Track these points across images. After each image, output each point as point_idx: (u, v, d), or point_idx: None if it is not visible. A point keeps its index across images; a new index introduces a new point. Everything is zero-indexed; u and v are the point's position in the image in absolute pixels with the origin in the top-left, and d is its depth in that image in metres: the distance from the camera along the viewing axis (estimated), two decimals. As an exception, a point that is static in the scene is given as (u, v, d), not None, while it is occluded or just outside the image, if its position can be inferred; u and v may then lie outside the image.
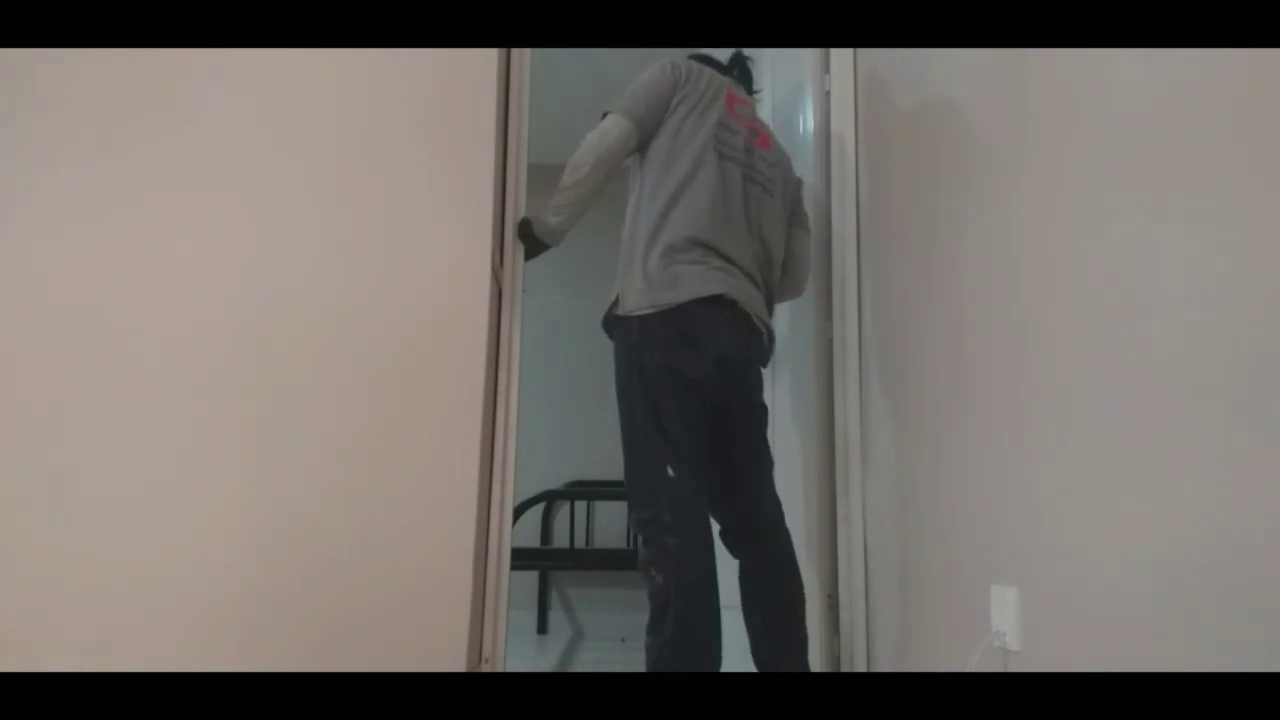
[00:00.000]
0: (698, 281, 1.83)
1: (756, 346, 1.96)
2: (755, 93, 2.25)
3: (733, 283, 1.87)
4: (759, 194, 2.01)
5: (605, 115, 1.97)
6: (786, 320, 2.54)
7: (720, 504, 1.94)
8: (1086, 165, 1.43)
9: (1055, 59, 1.52)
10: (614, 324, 1.90)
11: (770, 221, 2.03)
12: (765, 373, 2.59)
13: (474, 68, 1.97)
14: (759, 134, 2.07)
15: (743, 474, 1.94)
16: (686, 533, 1.75)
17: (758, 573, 1.92)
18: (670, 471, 1.77)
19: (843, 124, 2.39)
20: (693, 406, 1.82)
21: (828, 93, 2.45)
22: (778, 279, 2.10)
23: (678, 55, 2.05)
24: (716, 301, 1.83)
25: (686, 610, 1.71)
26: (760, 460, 1.98)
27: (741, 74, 2.20)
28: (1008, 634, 1.56)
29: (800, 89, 2.55)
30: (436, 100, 1.94)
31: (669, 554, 1.74)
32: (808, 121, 2.49)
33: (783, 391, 2.54)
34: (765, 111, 2.73)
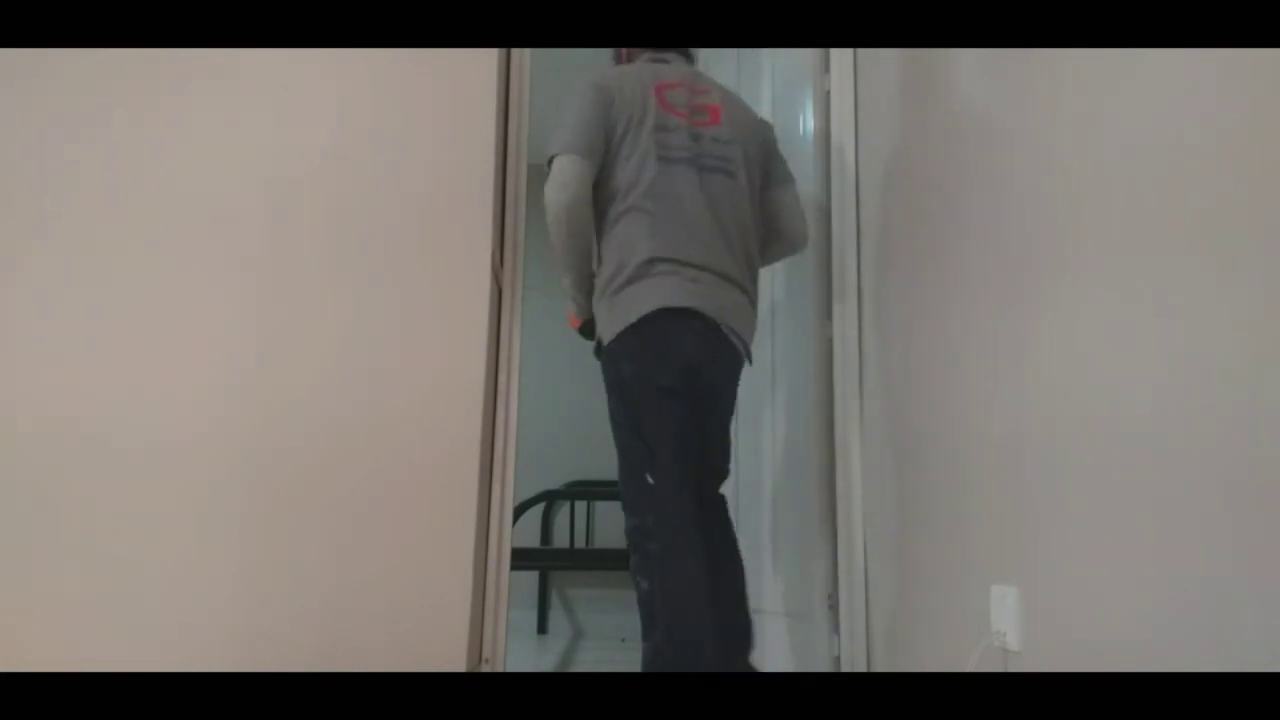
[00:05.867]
0: (666, 292, 1.81)
1: (727, 357, 1.90)
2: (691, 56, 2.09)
3: (703, 293, 1.84)
4: (719, 181, 1.91)
5: (551, 160, 1.85)
6: (787, 320, 2.54)
7: None
8: (1089, 171, 1.43)
9: (1056, 60, 1.52)
10: (599, 349, 1.91)
11: (738, 204, 1.94)
12: (765, 376, 2.59)
13: (474, 68, 1.97)
14: (704, 111, 1.95)
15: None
16: (668, 536, 1.76)
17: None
18: (649, 479, 1.79)
19: (842, 124, 2.39)
20: (670, 412, 1.82)
21: (828, 93, 2.45)
22: (762, 253, 2.06)
23: (596, 69, 1.93)
24: (683, 313, 1.82)
25: (674, 616, 1.72)
26: (709, 476, 1.95)
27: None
28: (1008, 634, 1.56)
29: (800, 89, 2.55)
30: (436, 100, 1.94)
31: (653, 559, 1.75)
32: (808, 121, 2.49)
33: (783, 391, 2.54)
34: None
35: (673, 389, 1.81)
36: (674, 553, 1.75)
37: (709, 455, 1.92)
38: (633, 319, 1.80)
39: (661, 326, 1.80)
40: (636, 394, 1.82)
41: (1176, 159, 1.23)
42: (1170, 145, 1.24)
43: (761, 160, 2.04)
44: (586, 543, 4.61)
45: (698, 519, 1.80)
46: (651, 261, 1.82)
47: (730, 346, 1.89)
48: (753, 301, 1.97)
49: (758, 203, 2.01)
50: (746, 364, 1.98)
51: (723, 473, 1.98)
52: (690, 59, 2.09)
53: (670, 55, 2.03)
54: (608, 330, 1.85)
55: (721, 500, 1.96)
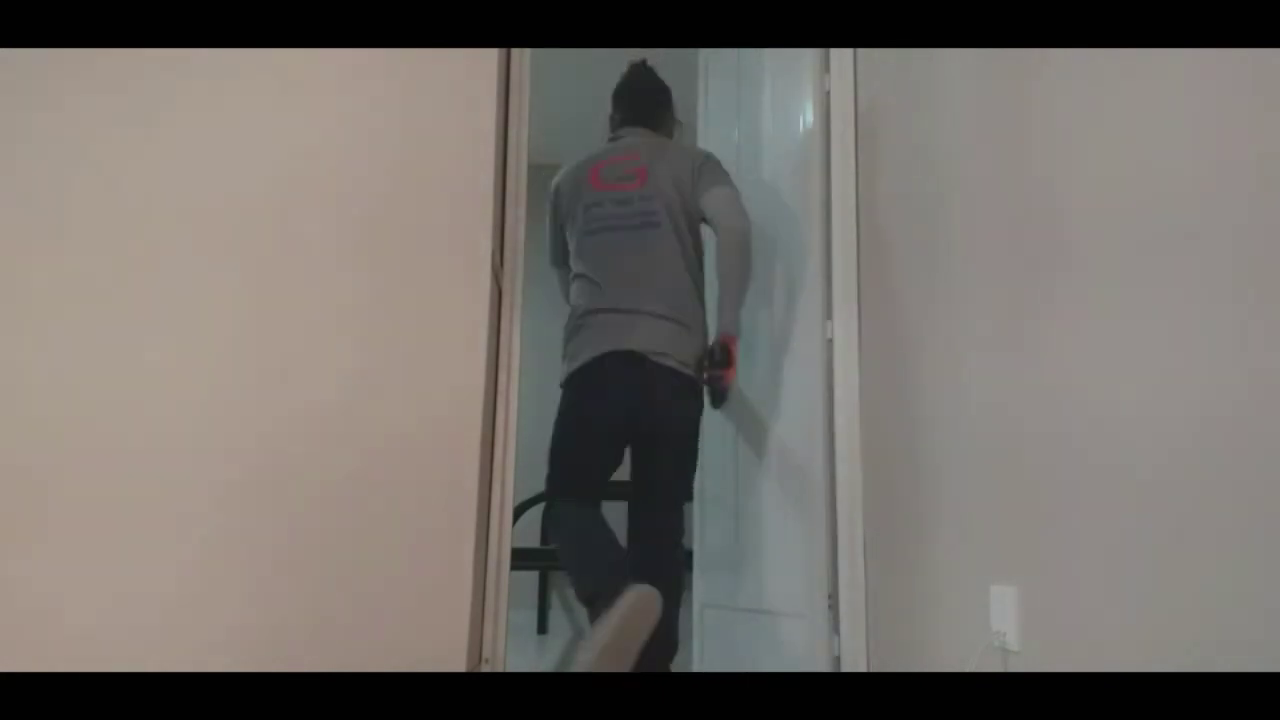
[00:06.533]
0: (595, 342, 2.20)
1: (662, 382, 2.18)
2: (672, 116, 2.52)
3: (629, 333, 2.18)
4: (644, 234, 2.26)
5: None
6: (787, 320, 2.55)
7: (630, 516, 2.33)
8: (1091, 170, 1.43)
9: (1056, 59, 1.52)
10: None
11: (663, 249, 2.26)
12: (765, 376, 2.59)
13: (474, 68, 1.97)
14: (632, 175, 2.31)
15: (639, 500, 2.31)
16: (571, 509, 2.18)
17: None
18: (563, 500, 2.24)
19: (842, 124, 2.39)
20: (592, 445, 2.23)
21: (828, 93, 2.45)
22: (703, 278, 2.37)
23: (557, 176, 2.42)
24: (610, 355, 2.17)
25: (582, 552, 2.07)
26: (653, 492, 2.27)
27: (648, 109, 2.44)
28: (1008, 634, 1.56)
29: (800, 89, 2.55)
30: (436, 100, 1.94)
31: (560, 525, 2.17)
32: (808, 121, 2.49)
33: (783, 391, 2.54)
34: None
35: (598, 421, 2.20)
36: (575, 515, 2.15)
37: (652, 488, 2.26)
38: (575, 366, 2.23)
39: (597, 370, 2.19)
40: (566, 428, 2.26)
41: (1179, 159, 1.23)
42: (1174, 145, 1.24)
43: (689, 189, 2.31)
44: (586, 543, 4.60)
45: (598, 515, 2.20)
46: (590, 312, 2.24)
47: (659, 369, 2.18)
48: (689, 329, 2.25)
49: (687, 238, 2.31)
50: (702, 387, 2.29)
51: (669, 505, 2.27)
52: (652, 125, 2.43)
53: (626, 131, 2.40)
54: (562, 373, 2.30)
55: (669, 533, 2.26)
